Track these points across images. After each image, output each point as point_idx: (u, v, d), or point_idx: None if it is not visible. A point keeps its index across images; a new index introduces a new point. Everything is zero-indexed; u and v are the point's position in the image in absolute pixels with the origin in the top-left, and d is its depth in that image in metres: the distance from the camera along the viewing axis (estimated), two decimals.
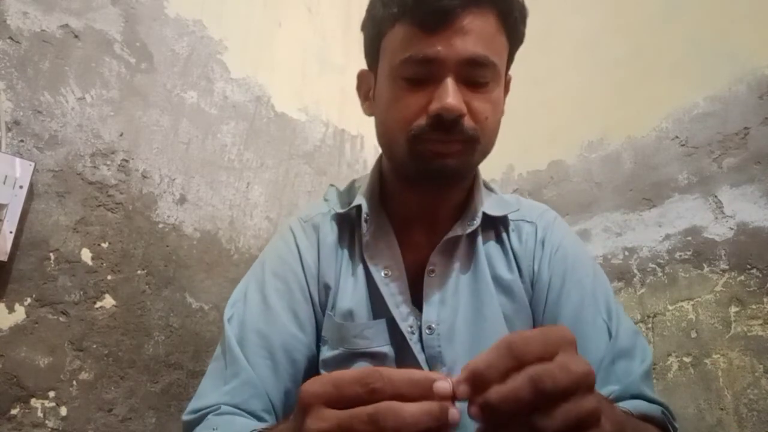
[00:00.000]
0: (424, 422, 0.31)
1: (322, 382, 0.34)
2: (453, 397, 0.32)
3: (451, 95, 0.57)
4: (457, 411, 0.32)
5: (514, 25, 0.62)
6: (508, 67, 0.66)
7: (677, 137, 1.17)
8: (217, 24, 1.29)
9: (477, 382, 0.32)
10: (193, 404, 0.62)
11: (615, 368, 0.60)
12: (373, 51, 0.66)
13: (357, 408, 0.32)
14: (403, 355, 0.65)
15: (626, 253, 1.19)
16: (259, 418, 0.61)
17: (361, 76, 0.72)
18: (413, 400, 0.32)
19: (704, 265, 1.05)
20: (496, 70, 0.60)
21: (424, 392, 0.32)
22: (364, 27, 0.68)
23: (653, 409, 0.56)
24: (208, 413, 0.59)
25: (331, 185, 0.80)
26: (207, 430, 0.57)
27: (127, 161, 1.08)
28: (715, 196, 1.07)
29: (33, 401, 0.88)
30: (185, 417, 0.61)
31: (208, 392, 0.62)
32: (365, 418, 0.31)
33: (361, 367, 0.65)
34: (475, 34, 0.57)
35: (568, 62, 1.44)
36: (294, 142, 1.43)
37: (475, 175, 0.71)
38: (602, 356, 0.61)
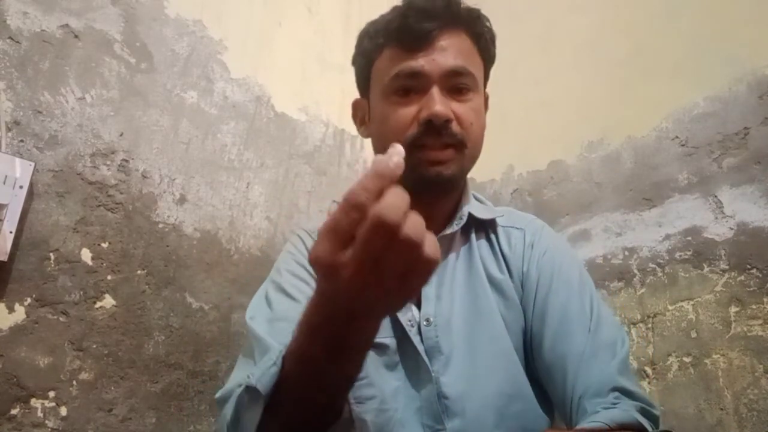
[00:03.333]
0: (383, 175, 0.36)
1: (319, 240, 0.38)
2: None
3: (438, 102, 0.65)
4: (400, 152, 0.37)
5: (485, 45, 0.72)
6: (485, 84, 0.75)
7: (677, 137, 1.17)
8: (217, 24, 1.29)
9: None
10: (224, 387, 0.64)
11: (594, 361, 0.63)
12: (364, 79, 0.75)
13: (356, 243, 0.36)
14: (405, 346, 0.69)
15: (626, 253, 1.19)
16: None
17: (356, 105, 0.79)
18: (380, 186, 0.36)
19: (704, 265, 1.05)
20: (474, 80, 0.69)
21: (383, 176, 0.36)
22: (355, 61, 0.77)
23: (628, 417, 0.57)
24: (235, 389, 0.60)
25: (334, 201, 0.84)
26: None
27: (127, 161, 1.08)
28: (715, 196, 1.07)
29: (33, 401, 0.88)
30: (217, 395, 0.62)
31: (238, 376, 0.64)
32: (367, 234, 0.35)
33: (368, 357, 0.68)
34: (453, 49, 0.67)
35: (569, 62, 1.43)
36: (294, 142, 1.43)
37: (464, 186, 0.77)
38: (583, 349, 0.64)
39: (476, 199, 0.81)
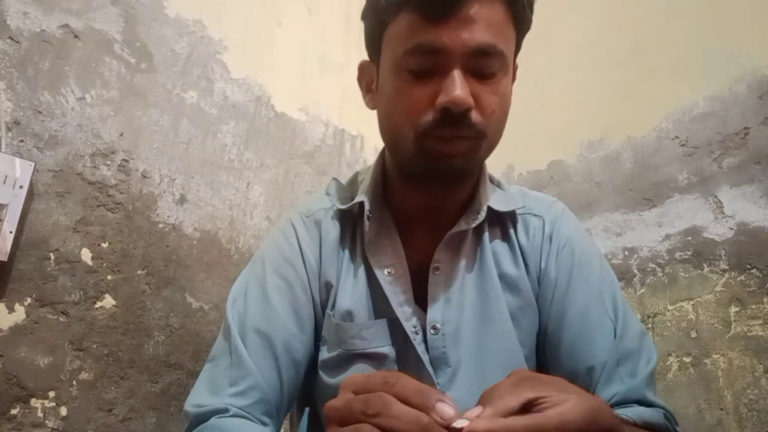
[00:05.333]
0: (410, 425, 0.31)
1: (342, 392, 0.36)
2: (449, 427, 0.32)
3: (458, 87, 0.54)
4: None
5: (521, 11, 0.59)
6: (515, 56, 0.64)
7: (677, 137, 1.17)
8: (217, 24, 1.29)
9: None
10: (197, 398, 0.60)
11: (620, 370, 0.59)
12: (374, 42, 0.63)
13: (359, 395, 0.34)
14: (406, 356, 0.64)
15: (626, 253, 1.19)
16: (262, 423, 0.60)
17: (363, 68, 0.69)
18: (413, 407, 0.33)
19: (704, 265, 1.05)
20: (504, 60, 0.58)
21: (426, 405, 0.32)
22: (365, 16, 0.65)
23: (656, 417, 0.55)
24: (213, 414, 0.58)
25: (334, 179, 0.77)
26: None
27: (127, 161, 1.08)
28: (715, 196, 1.07)
29: (33, 401, 0.88)
30: (191, 409, 0.59)
31: (212, 389, 0.61)
32: (360, 403, 0.33)
33: (362, 370, 0.64)
34: (483, 22, 0.55)
35: (568, 62, 1.44)
36: (294, 142, 1.43)
37: (481, 170, 0.69)
38: (607, 357, 0.60)
39: (492, 182, 0.73)
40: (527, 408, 0.34)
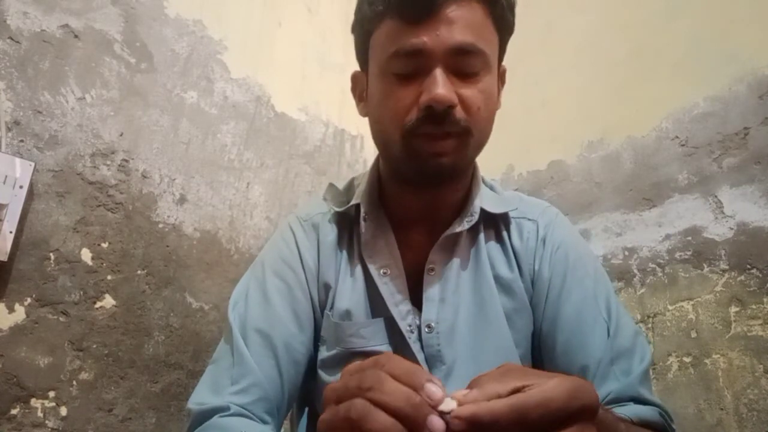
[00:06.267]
0: (401, 402, 0.32)
1: (342, 377, 0.37)
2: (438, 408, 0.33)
3: (440, 86, 0.56)
4: (441, 423, 0.32)
5: (501, 13, 0.61)
6: (500, 58, 0.66)
7: (677, 137, 1.17)
8: (217, 24, 1.29)
9: (474, 428, 0.32)
10: (200, 396, 0.62)
11: (614, 368, 0.60)
12: (362, 51, 0.67)
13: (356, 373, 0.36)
14: (403, 354, 0.64)
15: (626, 253, 1.19)
16: (263, 421, 0.61)
17: (355, 78, 0.72)
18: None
19: (704, 265, 1.05)
20: (485, 59, 0.59)
21: (415, 385, 0.33)
22: (353, 29, 0.68)
23: (652, 414, 0.56)
24: (215, 412, 0.59)
25: (331, 184, 0.79)
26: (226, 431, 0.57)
27: (127, 161, 1.08)
28: (715, 196, 1.07)
29: (33, 401, 0.88)
30: (194, 407, 0.60)
31: (214, 388, 0.62)
32: (355, 380, 0.35)
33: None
34: (461, 22, 0.57)
35: (568, 62, 1.44)
36: (294, 142, 1.43)
37: (473, 173, 0.70)
38: (601, 356, 0.60)
39: (485, 184, 0.74)
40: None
